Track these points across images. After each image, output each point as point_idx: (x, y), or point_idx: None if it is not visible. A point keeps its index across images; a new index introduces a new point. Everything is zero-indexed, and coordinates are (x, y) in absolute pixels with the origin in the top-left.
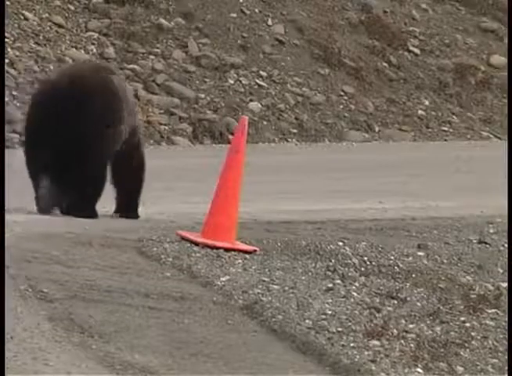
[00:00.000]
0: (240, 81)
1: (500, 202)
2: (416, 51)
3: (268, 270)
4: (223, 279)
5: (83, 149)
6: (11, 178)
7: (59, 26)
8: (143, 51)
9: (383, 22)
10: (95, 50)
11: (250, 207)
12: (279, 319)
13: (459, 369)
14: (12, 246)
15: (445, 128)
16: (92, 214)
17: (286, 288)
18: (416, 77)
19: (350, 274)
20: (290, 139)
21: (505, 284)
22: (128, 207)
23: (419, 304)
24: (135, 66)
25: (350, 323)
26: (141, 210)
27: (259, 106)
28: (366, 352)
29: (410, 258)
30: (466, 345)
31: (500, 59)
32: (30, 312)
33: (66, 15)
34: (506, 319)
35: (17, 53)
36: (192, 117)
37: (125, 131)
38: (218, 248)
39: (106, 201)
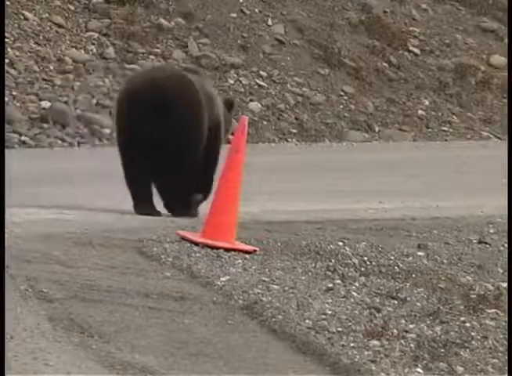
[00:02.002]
0: (240, 81)
1: (500, 202)
2: (416, 51)
3: (268, 270)
4: (223, 279)
5: (177, 152)
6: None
7: (59, 26)
8: (143, 51)
9: (383, 22)
10: (95, 50)
11: (250, 207)
12: (279, 319)
13: (459, 369)
14: (12, 246)
15: (445, 128)
16: (192, 213)
17: (286, 288)
18: (416, 77)
19: (350, 274)
20: (290, 139)
21: (505, 284)
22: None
23: (419, 304)
24: (135, 66)
25: (350, 323)
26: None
27: (259, 106)
28: (366, 352)
29: (410, 258)
30: (466, 345)
31: (500, 59)
32: (30, 312)
33: (66, 15)
34: (506, 319)
35: (17, 53)
36: None
37: (207, 129)
38: (218, 248)
39: (107, 203)
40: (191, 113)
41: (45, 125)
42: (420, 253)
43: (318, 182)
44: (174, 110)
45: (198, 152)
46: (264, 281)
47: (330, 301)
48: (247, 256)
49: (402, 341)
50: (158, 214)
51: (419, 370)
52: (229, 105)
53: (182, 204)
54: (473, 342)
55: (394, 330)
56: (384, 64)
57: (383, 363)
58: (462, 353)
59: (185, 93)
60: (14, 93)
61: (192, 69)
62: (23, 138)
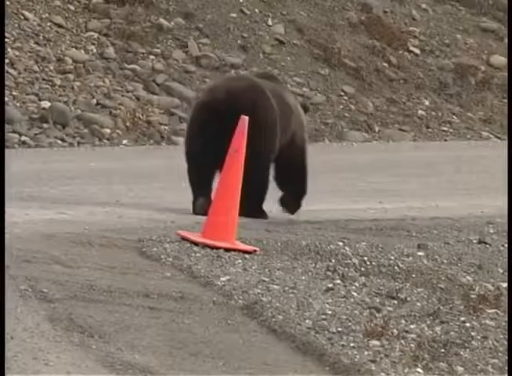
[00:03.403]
0: None
1: (500, 202)
2: (416, 51)
3: (268, 270)
4: (223, 279)
5: (248, 157)
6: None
7: (59, 26)
8: (143, 51)
9: (383, 22)
10: (95, 50)
11: None
12: (279, 319)
13: (459, 369)
14: (12, 246)
15: (445, 128)
16: (261, 214)
17: (286, 288)
18: (416, 77)
19: (350, 274)
20: None
21: (505, 284)
22: (291, 201)
23: (419, 304)
24: (135, 66)
25: (350, 323)
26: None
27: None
28: (366, 352)
29: (410, 258)
30: (466, 345)
31: (500, 59)
32: (30, 312)
33: (66, 15)
34: (506, 319)
35: (17, 53)
36: None
37: (284, 135)
38: (218, 248)
39: (107, 203)
40: (263, 123)
41: (45, 125)
42: (420, 253)
43: (318, 182)
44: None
45: (269, 159)
46: (264, 281)
47: (330, 301)
48: (247, 256)
49: (402, 341)
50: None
51: (419, 370)
52: (304, 109)
53: (251, 207)
54: (473, 342)
55: (394, 330)
56: (384, 64)
57: (383, 363)
58: (462, 353)
59: (258, 104)
60: (14, 93)
61: (272, 76)
62: (23, 138)
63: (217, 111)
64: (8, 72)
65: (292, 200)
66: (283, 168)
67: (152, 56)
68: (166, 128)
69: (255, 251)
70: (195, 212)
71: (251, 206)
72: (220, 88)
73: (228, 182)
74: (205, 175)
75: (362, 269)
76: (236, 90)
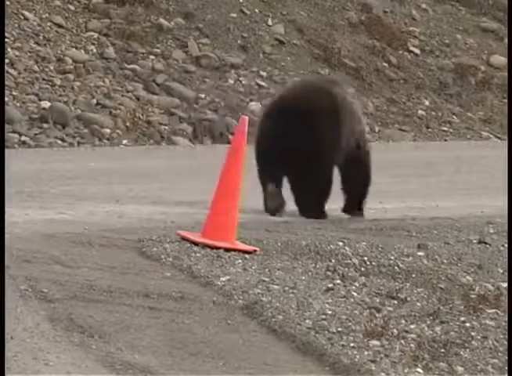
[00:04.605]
0: (240, 81)
1: (500, 202)
2: (416, 51)
3: (268, 270)
4: (223, 279)
5: (313, 159)
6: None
7: (59, 26)
8: (143, 51)
9: (383, 22)
10: (95, 50)
11: (251, 207)
12: (279, 319)
13: (459, 369)
14: (12, 246)
15: (445, 128)
16: (321, 215)
17: (286, 288)
18: (416, 77)
19: (350, 274)
20: None
21: (505, 284)
22: (353, 206)
23: (419, 304)
24: (135, 66)
25: (350, 323)
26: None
27: (259, 106)
28: (366, 352)
29: (410, 258)
30: (466, 345)
31: (500, 59)
32: (30, 312)
33: (66, 15)
34: (506, 319)
35: (17, 53)
36: (192, 117)
37: (348, 139)
38: (218, 248)
39: (107, 203)
40: (331, 127)
41: (45, 125)
42: (420, 253)
43: None
44: (314, 123)
45: (333, 162)
46: (264, 281)
47: (330, 301)
48: (247, 256)
49: (402, 341)
50: (284, 213)
51: (419, 370)
52: None
53: (312, 206)
54: (473, 342)
55: (394, 330)
56: (384, 64)
57: (383, 363)
58: (462, 353)
59: (326, 108)
60: (14, 93)
61: (335, 80)
62: (23, 138)
63: (287, 114)
64: (8, 72)
65: (354, 205)
66: (346, 173)
67: (152, 56)
68: (166, 128)
69: (255, 251)
70: (267, 211)
71: (312, 207)
72: (290, 91)
73: (229, 182)
74: (275, 175)
75: (362, 269)
76: (305, 93)
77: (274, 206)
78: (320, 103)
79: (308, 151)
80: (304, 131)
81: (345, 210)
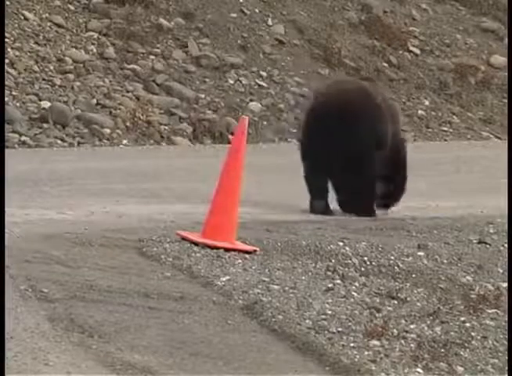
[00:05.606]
0: (240, 81)
1: (500, 202)
2: (416, 51)
3: (268, 270)
4: (223, 279)
5: (359, 157)
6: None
7: (59, 26)
8: (143, 51)
9: (383, 22)
10: (95, 50)
11: (250, 207)
12: (279, 319)
13: (459, 369)
14: (12, 246)
15: (445, 128)
16: (371, 212)
17: (286, 288)
18: (416, 77)
19: (350, 274)
20: (290, 139)
21: (505, 284)
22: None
23: (419, 304)
24: (135, 66)
25: (350, 323)
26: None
27: (259, 106)
28: (366, 352)
29: (410, 258)
30: (466, 345)
31: (500, 59)
32: (30, 312)
33: (66, 15)
34: (506, 319)
35: (17, 53)
36: (192, 117)
37: (389, 139)
38: (218, 248)
39: (107, 203)
40: (374, 124)
41: (45, 125)
42: (420, 253)
43: None
44: (357, 120)
45: (376, 160)
46: (264, 281)
47: (330, 301)
48: (247, 256)
49: (402, 341)
50: (330, 213)
51: (419, 370)
52: None
53: (362, 205)
54: (473, 342)
55: (394, 330)
56: (384, 64)
57: (383, 363)
58: (462, 353)
59: (369, 105)
60: (14, 93)
61: (370, 78)
62: (23, 138)
63: (330, 114)
64: (8, 72)
65: (389, 200)
66: (382, 173)
67: (152, 56)
68: (166, 128)
69: (255, 251)
70: (313, 212)
71: (362, 204)
72: (331, 91)
73: (229, 182)
74: (321, 176)
75: (362, 269)
76: (346, 93)
77: (320, 206)
78: (365, 103)
79: (352, 151)
80: (349, 131)
81: (379, 204)
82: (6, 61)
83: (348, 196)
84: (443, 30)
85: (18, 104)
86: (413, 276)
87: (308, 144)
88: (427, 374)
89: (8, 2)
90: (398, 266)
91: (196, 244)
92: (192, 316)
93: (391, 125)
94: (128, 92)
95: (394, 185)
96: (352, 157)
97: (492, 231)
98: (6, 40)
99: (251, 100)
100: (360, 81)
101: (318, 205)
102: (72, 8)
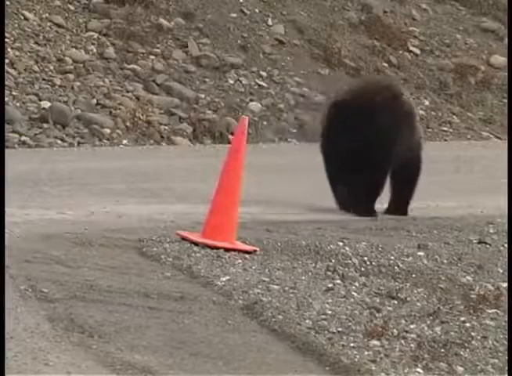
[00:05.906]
0: (240, 81)
1: (500, 202)
2: (416, 51)
3: (268, 270)
4: (223, 279)
5: (369, 158)
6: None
7: (59, 26)
8: (143, 51)
9: (383, 22)
10: (95, 50)
11: (250, 207)
12: (279, 319)
13: (459, 369)
14: (12, 246)
15: (445, 128)
16: (371, 213)
17: (286, 288)
18: (416, 77)
19: (350, 274)
20: (290, 139)
21: (505, 284)
22: (399, 208)
23: (419, 304)
24: (135, 66)
25: (350, 323)
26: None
27: (259, 106)
28: (366, 352)
29: (410, 258)
30: (466, 345)
31: (500, 59)
32: (30, 312)
33: (66, 15)
34: (506, 319)
35: (17, 53)
36: (192, 117)
37: (404, 140)
38: (218, 248)
39: (107, 203)
40: (394, 125)
41: (45, 125)
42: (420, 253)
43: (318, 182)
44: (376, 121)
45: (388, 160)
46: (264, 281)
47: (330, 301)
48: (247, 256)
49: (402, 341)
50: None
51: (419, 370)
52: None
53: (362, 205)
54: (473, 342)
55: (394, 330)
56: (384, 64)
57: (383, 363)
58: (462, 353)
59: (390, 106)
60: (14, 93)
61: (393, 79)
62: (23, 138)
63: (350, 111)
64: (8, 72)
65: (399, 206)
66: (398, 175)
67: (152, 56)
68: (166, 128)
69: (255, 251)
70: (341, 209)
71: (362, 204)
72: (354, 89)
73: (229, 182)
74: (343, 175)
75: (362, 269)
76: (369, 91)
77: (345, 204)
78: (384, 98)
79: (370, 151)
80: (368, 130)
81: (389, 210)
82: (6, 61)
83: (351, 194)
84: (443, 30)
85: (18, 104)
86: (413, 276)
87: (330, 141)
88: (427, 374)
89: (8, 2)
90: (398, 266)
91: (196, 244)
92: (192, 316)
93: (410, 125)
94: (127, 92)
95: (405, 190)
96: (367, 157)
97: (492, 231)
98: (6, 40)
99: (251, 100)
100: (383, 81)
101: (343, 208)
102: (72, 8)
